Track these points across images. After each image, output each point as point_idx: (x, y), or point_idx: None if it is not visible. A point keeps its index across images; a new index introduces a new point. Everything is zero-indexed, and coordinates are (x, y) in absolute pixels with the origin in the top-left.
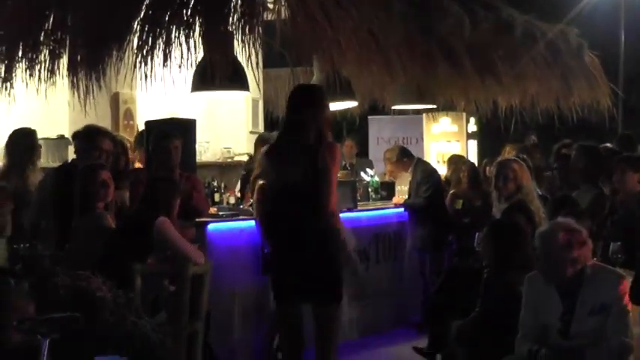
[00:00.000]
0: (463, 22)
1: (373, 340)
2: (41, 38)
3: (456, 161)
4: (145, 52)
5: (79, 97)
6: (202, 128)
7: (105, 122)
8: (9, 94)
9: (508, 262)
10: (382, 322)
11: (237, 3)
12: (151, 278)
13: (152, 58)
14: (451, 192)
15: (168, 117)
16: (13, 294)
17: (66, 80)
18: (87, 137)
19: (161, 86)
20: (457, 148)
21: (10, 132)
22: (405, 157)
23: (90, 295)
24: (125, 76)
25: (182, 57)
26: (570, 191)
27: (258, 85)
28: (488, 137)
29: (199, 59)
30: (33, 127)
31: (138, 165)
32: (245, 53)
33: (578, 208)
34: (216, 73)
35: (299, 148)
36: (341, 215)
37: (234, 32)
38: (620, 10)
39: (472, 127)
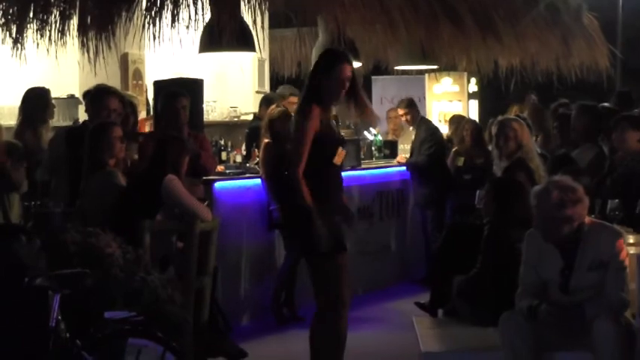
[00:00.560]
0: None
1: (377, 295)
2: None
3: (458, 120)
4: (153, 13)
5: (88, 57)
6: (209, 88)
7: (114, 82)
8: (20, 55)
9: (508, 219)
10: (386, 278)
11: None
12: (159, 235)
13: (160, 19)
14: (454, 149)
15: (176, 77)
16: (25, 251)
17: (76, 41)
18: (95, 97)
19: (169, 47)
20: (458, 108)
21: (25, 91)
22: (415, 106)
23: (99, 251)
24: (134, 37)
25: (190, 18)
26: (569, 150)
27: (264, 45)
28: (489, 97)
29: (207, 20)
30: (47, 88)
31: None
32: (251, 14)
33: (576, 165)
34: (224, 34)
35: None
36: (346, 173)
37: None
38: None
39: (473, 87)
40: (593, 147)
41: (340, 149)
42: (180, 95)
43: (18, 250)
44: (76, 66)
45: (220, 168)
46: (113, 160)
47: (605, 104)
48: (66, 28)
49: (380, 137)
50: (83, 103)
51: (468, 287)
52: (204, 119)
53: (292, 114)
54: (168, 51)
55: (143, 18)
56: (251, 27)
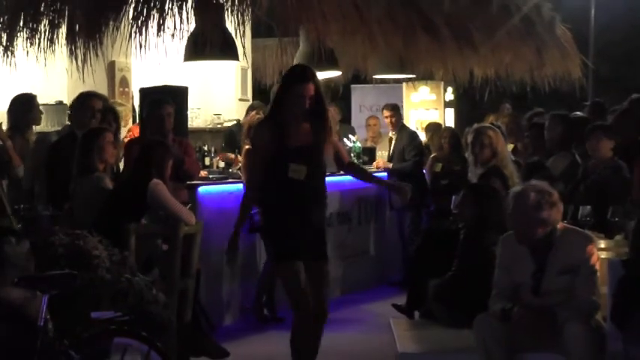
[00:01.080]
0: None
1: (355, 297)
2: (41, 9)
3: (434, 128)
4: (139, 22)
5: (77, 65)
6: (194, 95)
7: (101, 89)
8: (10, 62)
9: (484, 223)
10: (364, 281)
11: None
12: (144, 238)
13: (147, 29)
14: (432, 156)
15: (162, 85)
16: (14, 252)
17: (64, 49)
18: (80, 99)
19: (155, 55)
20: (435, 116)
21: (12, 98)
22: (399, 111)
23: (87, 253)
24: (121, 46)
25: (175, 28)
26: (542, 158)
27: (246, 54)
28: (465, 106)
29: (191, 30)
30: (34, 94)
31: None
32: (234, 24)
33: (549, 172)
34: (208, 43)
35: None
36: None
37: (225, 4)
38: None
39: (449, 95)
40: (567, 155)
41: (294, 165)
42: (166, 102)
43: (7, 251)
44: (64, 73)
45: (204, 173)
46: (102, 165)
47: (578, 113)
48: (55, 36)
49: (359, 144)
50: (67, 113)
51: (444, 290)
52: (189, 126)
53: None
54: (154, 59)
55: (130, 27)
56: (234, 36)
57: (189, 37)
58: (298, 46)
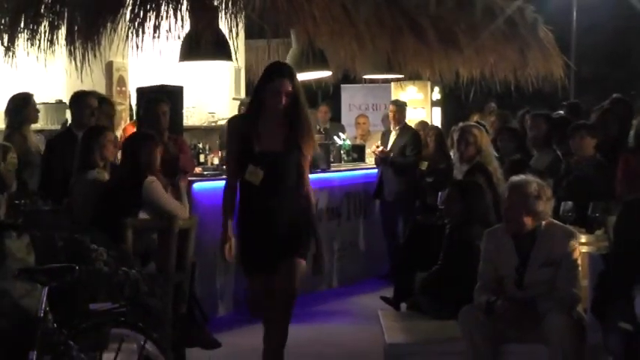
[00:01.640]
0: None
1: (344, 290)
2: (41, 10)
3: (422, 127)
4: (136, 24)
5: (75, 65)
6: (189, 95)
7: (99, 88)
8: (11, 63)
9: (469, 218)
10: (352, 274)
11: None
12: (141, 232)
13: (143, 30)
14: None
15: (158, 84)
16: (15, 246)
17: (64, 49)
18: (76, 98)
19: (151, 56)
20: (422, 115)
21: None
22: (405, 110)
23: (85, 247)
24: (118, 46)
25: (170, 29)
26: (525, 156)
27: (239, 55)
28: (451, 105)
29: (186, 31)
30: (31, 92)
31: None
32: (228, 26)
33: (532, 169)
34: (202, 44)
35: None
36: (313, 176)
37: (219, 6)
38: None
39: (436, 95)
40: (550, 152)
41: (251, 167)
42: (161, 101)
43: (8, 244)
44: (63, 73)
45: (198, 170)
46: (102, 163)
47: (560, 112)
48: (54, 37)
49: (348, 142)
50: (70, 110)
51: (430, 283)
52: (184, 124)
53: None
54: (151, 60)
55: (127, 29)
56: (228, 38)
57: (184, 38)
58: (289, 47)
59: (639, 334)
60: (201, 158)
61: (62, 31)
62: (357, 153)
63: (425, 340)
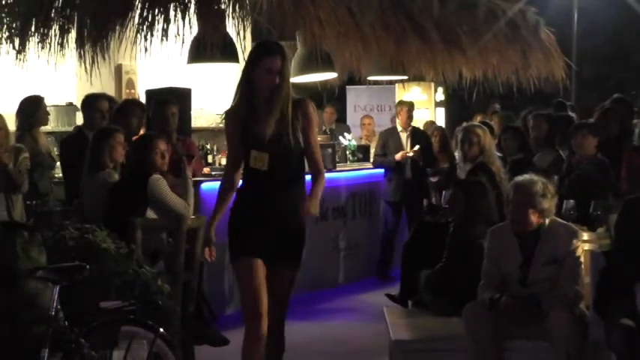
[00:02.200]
0: (432, 1)
1: (349, 288)
2: (52, 15)
3: (429, 127)
4: (145, 27)
5: (85, 68)
6: (197, 96)
7: (109, 91)
8: (22, 66)
9: (473, 217)
10: (358, 272)
11: None
12: (150, 231)
13: (152, 33)
14: None
15: (166, 86)
16: (27, 245)
17: (74, 52)
18: (87, 100)
19: (160, 58)
20: (426, 116)
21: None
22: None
23: (96, 246)
24: (127, 49)
25: (178, 32)
26: (528, 155)
27: (246, 57)
28: (455, 105)
29: (194, 34)
30: (42, 95)
31: None
32: (235, 28)
33: (535, 168)
34: (210, 46)
35: None
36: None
37: (226, 9)
38: None
39: (440, 96)
40: (552, 151)
41: (255, 152)
42: (170, 103)
43: (20, 244)
44: (73, 76)
45: (206, 170)
46: (112, 164)
47: (562, 113)
48: (65, 41)
49: (354, 142)
50: (80, 110)
51: (435, 280)
52: (192, 125)
53: None
54: (159, 62)
55: (135, 32)
56: (235, 40)
57: (192, 41)
58: (296, 49)
59: None
60: (209, 159)
61: (72, 35)
62: (362, 153)
63: (429, 337)
